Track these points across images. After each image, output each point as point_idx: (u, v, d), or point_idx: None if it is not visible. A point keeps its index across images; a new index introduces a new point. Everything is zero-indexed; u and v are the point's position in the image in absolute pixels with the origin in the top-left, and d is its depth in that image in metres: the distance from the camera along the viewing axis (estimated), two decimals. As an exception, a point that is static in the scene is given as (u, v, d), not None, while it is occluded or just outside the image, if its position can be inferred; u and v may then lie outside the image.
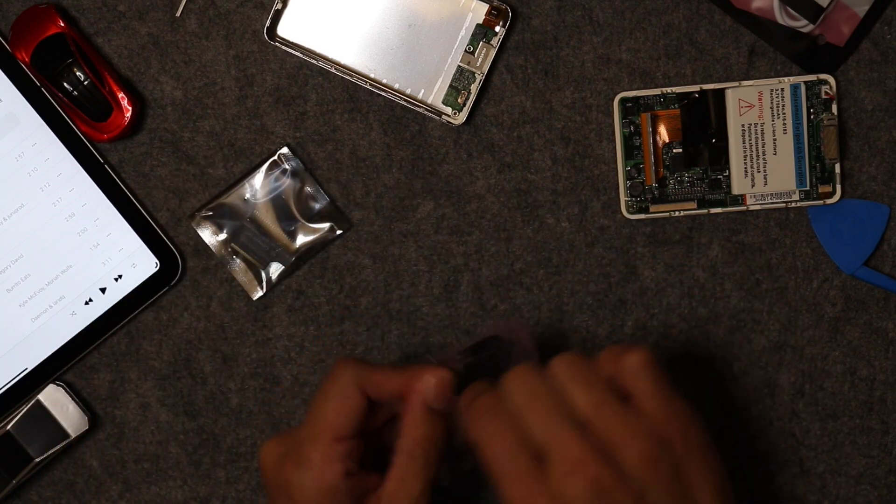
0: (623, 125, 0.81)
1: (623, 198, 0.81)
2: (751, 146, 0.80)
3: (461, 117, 0.81)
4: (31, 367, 0.81)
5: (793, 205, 0.81)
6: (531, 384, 0.67)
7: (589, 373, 0.67)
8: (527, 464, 0.65)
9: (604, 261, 0.82)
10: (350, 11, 0.80)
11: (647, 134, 0.81)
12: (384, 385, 0.71)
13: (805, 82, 0.80)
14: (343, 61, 0.81)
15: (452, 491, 0.81)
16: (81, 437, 0.81)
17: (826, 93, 0.80)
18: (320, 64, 0.80)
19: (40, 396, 0.81)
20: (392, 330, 0.82)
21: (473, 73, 0.81)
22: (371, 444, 0.73)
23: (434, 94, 0.81)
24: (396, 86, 0.81)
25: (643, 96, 0.81)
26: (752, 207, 0.81)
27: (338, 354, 0.82)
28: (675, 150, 0.81)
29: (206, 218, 0.81)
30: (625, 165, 0.81)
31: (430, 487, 0.71)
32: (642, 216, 0.81)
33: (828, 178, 0.81)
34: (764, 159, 0.80)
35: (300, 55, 0.81)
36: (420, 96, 0.81)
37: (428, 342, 0.82)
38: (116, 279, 0.81)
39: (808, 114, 0.80)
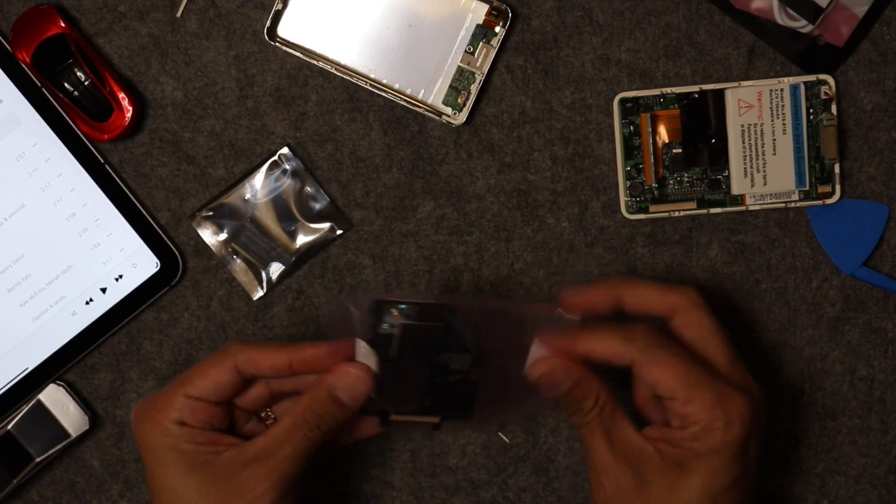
0: (623, 125, 0.81)
1: (623, 198, 0.81)
2: (750, 146, 0.80)
3: (461, 117, 0.81)
4: (31, 366, 0.81)
5: (792, 205, 0.81)
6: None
7: None
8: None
9: (604, 261, 0.82)
10: (350, 11, 0.80)
11: (646, 134, 0.81)
12: (262, 362, 0.71)
13: (804, 82, 0.80)
14: (343, 61, 0.81)
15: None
16: (82, 437, 0.81)
17: (825, 93, 0.80)
18: (320, 64, 0.81)
19: (41, 396, 0.81)
20: (392, 330, 0.82)
21: (473, 73, 0.81)
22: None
23: (434, 94, 0.81)
24: (396, 86, 0.81)
25: (643, 96, 0.81)
26: (751, 207, 0.81)
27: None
28: (674, 151, 0.81)
29: (207, 218, 0.81)
30: (625, 165, 0.81)
31: (299, 460, 0.70)
32: (642, 216, 0.81)
33: (827, 178, 0.81)
34: (763, 159, 0.80)
35: (300, 55, 0.81)
36: (420, 96, 0.81)
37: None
38: (117, 279, 0.81)
39: (808, 114, 0.80)
